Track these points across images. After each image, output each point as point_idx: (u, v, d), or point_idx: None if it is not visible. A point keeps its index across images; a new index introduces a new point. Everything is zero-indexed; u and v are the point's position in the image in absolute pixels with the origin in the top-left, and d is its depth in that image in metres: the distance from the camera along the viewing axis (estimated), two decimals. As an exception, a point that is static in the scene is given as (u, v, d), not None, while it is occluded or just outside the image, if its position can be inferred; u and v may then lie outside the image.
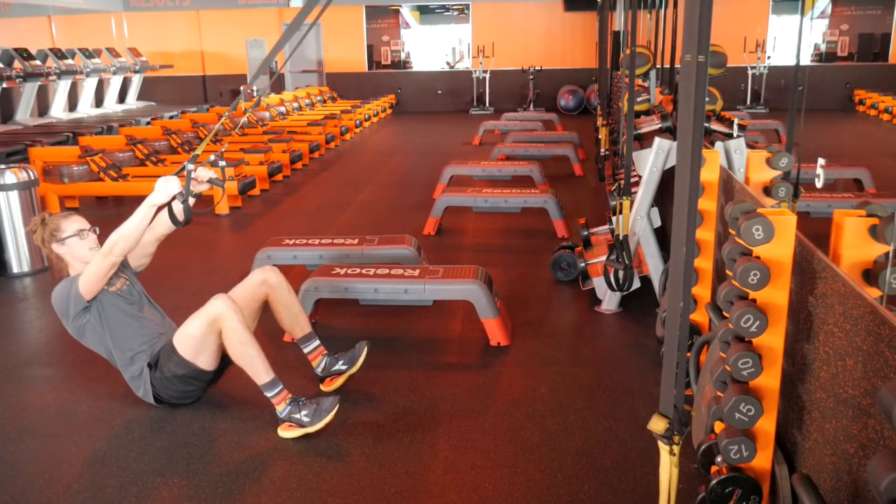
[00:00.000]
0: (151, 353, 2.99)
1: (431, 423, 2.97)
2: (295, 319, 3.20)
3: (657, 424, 1.73)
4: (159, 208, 2.92)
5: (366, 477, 2.60)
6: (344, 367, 3.20)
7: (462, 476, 2.60)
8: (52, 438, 2.91)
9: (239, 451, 2.79)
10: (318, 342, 3.22)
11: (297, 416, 2.83)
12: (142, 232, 2.86)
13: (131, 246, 2.88)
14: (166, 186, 2.80)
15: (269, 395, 2.86)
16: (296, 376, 3.30)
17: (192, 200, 2.97)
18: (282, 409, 2.85)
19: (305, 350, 3.21)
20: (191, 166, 2.80)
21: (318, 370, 3.21)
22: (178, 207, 2.96)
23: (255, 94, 15.30)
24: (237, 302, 2.91)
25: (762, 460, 2.03)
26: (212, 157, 2.95)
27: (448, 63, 17.18)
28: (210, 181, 2.96)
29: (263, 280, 3.16)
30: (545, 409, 3.06)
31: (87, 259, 2.98)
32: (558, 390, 3.23)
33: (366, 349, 3.22)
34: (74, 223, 3.05)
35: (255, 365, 2.83)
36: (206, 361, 2.93)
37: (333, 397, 2.87)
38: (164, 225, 3.09)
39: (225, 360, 3.00)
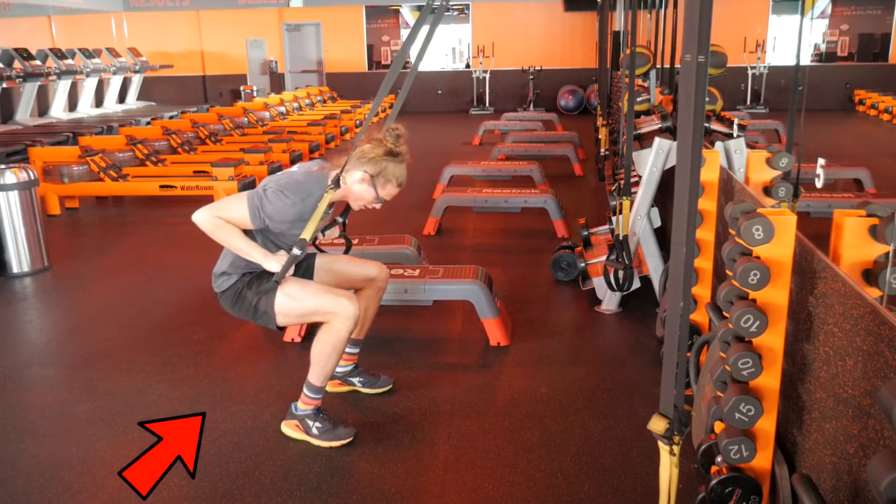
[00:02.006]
0: (256, 272, 2.82)
1: (431, 423, 2.97)
2: (364, 322, 3.13)
3: (657, 424, 1.73)
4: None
5: (366, 477, 2.60)
6: (358, 385, 3.20)
7: (462, 476, 2.60)
8: (52, 438, 2.91)
9: (239, 451, 2.79)
10: (358, 350, 3.20)
11: (311, 423, 2.81)
12: (227, 245, 2.73)
13: (219, 239, 2.72)
14: (270, 263, 2.68)
15: (307, 393, 2.81)
16: (297, 376, 3.29)
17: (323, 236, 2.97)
18: (303, 409, 2.83)
19: (347, 350, 3.14)
20: (297, 252, 2.69)
21: (338, 370, 3.19)
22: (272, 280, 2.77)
23: (254, 93, 15.32)
24: (341, 276, 2.89)
25: (762, 460, 2.03)
26: (339, 219, 2.93)
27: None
28: (340, 235, 3.00)
29: (373, 278, 3.07)
30: (545, 409, 3.06)
31: (348, 200, 2.78)
32: (558, 390, 3.23)
33: (389, 387, 3.22)
34: (392, 195, 2.79)
35: (326, 368, 2.77)
36: (284, 322, 2.82)
37: (351, 429, 2.85)
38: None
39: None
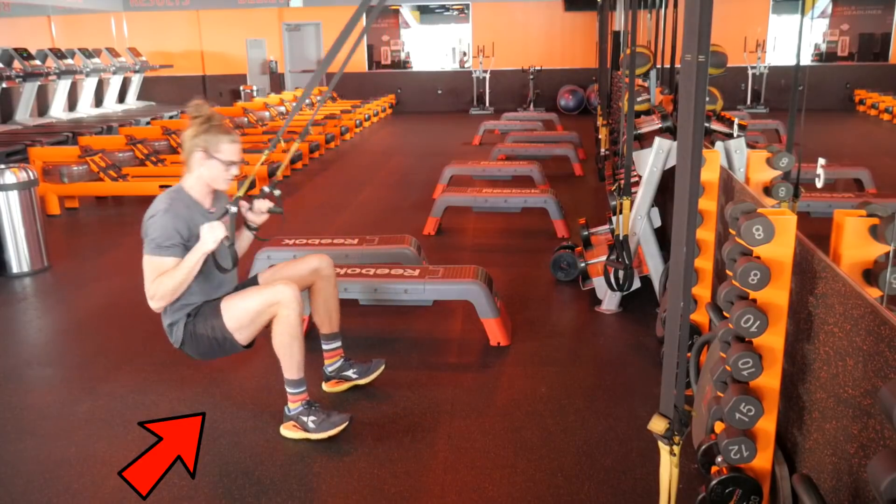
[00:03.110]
0: (196, 304, 2.87)
1: (431, 423, 2.97)
2: (329, 315, 3.14)
3: (657, 424, 1.73)
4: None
5: (366, 477, 2.60)
6: (354, 377, 3.20)
7: (462, 476, 2.60)
8: (52, 438, 2.90)
9: (239, 451, 2.79)
10: (339, 343, 3.20)
11: (305, 419, 2.82)
12: (191, 279, 2.74)
13: (179, 294, 2.77)
14: (212, 233, 2.69)
15: (290, 391, 2.84)
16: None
17: (253, 233, 2.95)
18: (293, 407, 2.84)
19: (326, 347, 3.18)
20: (234, 209, 2.74)
21: (329, 370, 3.21)
22: (222, 253, 2.82)
23: (254, 93, 15.32)
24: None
25: (762, 460, 2.03)
26: (265, 189, 2.90)
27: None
28: (270, 210, 2.94)
29: (317, 269, 3.08)
30: (545, 409, 3.06)
31: (211, 184, 2.81)
32: (558, 390, 3.22)
33: (381, 368, 3.22)
34: (233, 154, 2.81)
35: (293, 359, 2.79)
36: (244, 337, 2.84)
37: (345, 415, 2.86)
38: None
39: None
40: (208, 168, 2.79)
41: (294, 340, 2.77)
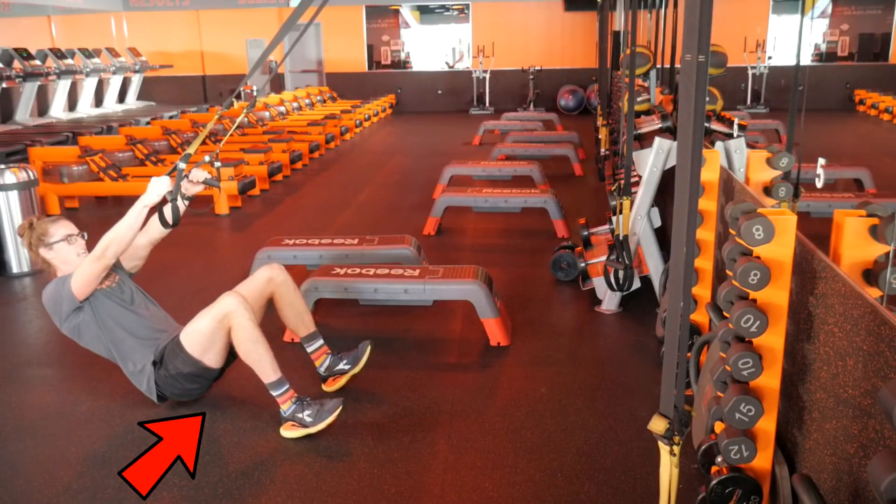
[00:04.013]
0: (156, 349, 2.97)
1: (431, 423, 2.97)
2: (300, 318, 3.18)
3: (657, 424, 1.73)
4: (152, 210, 2.90)
5: (366, 477, 2.60)
6: (347, 367, 3.20)
7: (462, 476, 2.60)
8: (52, 438, 2.91)
9: (239, 451, 2.79)
10: (321, 341, 3.21)
11: (301, 415, 2.83)
12: (134, 233, 2.84)
13: (123, 248, 2.86)
14: (157, 186, 2.78)
15: (274, 393, 2.85)
16: (296, 377, 3.29)
17: (185, 203, 2.94)
18: (286, 408, 2.85)
19: (309, 349, 3.20)
20: (182, 165, 2.77)
21: (321, 370, 3.21)
22: (167, 208, 2.90)
23: (254, 92, 15.31)
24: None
25: (762, 460, 2.03)
26: (206, 158, 2.92)
27: (447, 63, 17.17)
28: (205, 181, 2.92)
29: (270, 278, 3.13)
30: (545, 409, 3.06)
31: (75, 264, 2.96)
32: (558, 390, 3.22)
33: (369, 349, 3.22)
34: (62, 228, 3.03)
35: (263, 363, 2.82)
36: (214, 359, 2.90)
37: (337, 399, 2.87)
38: (157, 229, 3.06)
39: (230, 357, 2.99)
40: (58, 253, 2.98)
41: (256, 344, 2.80)
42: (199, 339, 2.86)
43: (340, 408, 2.84)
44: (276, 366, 2.85)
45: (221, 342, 2.86)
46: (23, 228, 3.05)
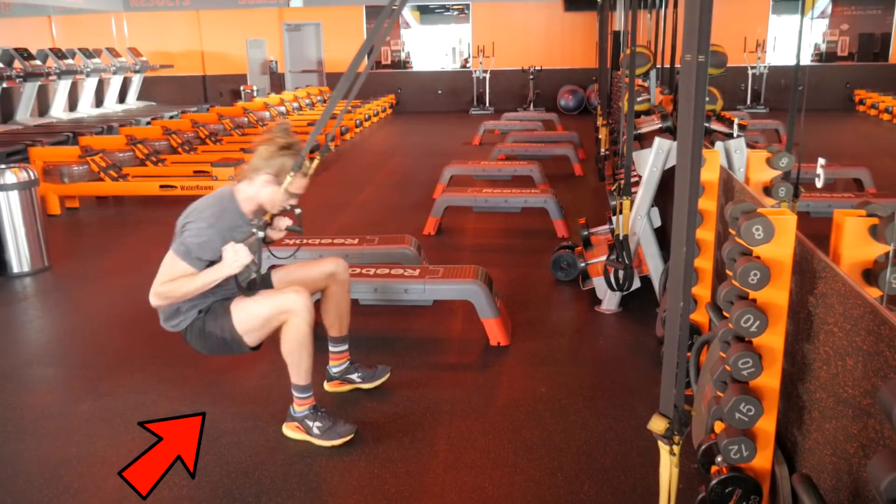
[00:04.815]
0: (206, 302, 2.85)
1: (431, 423, 2.97)
2: (340, 319, 3.13)
3: (657, 424, 1.73)
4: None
5: (366, 477, 2.60)
6: (357, 380, 3.20)
7: (462, 476, 2.60)
8: (52, 438, 2.91)
9: (239, 451, 2.79)
10: (346, 346, 3.19)
11: (311, 423, 2.81)
12: (201, 292, 2.74)
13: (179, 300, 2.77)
14: (236, 258, 2.64)
15: (296, 395, 2.83)
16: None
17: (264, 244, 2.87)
18: (299, 410, 2.84)
19: (334, 349, 3.17)
20: (261, 234, 2.70)
21: (334, 370, 3.20)
22: (245, 276, 2.80)
23: (254, 93, 15.31)
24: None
25: (762, 460, 2.03)
26: (287, 206, 2.84)
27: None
28: (288, 229, 2.91)
29: (333, 273, 3.05)
30: (545, 409, 3.06)
31: (265, 205, 2.77)
32: (558, 390, 3.23)
33: (387, 376, 3.22)
34: (300, 187, 2.77)
35: (301, 367, 2.78)
36: (253, 340, 2.83)
37: (351, 426, 2.85)
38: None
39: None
40: (270, 192, 2.76)
41: (303, 349, 2.76)
42: (251, 318, 2.77)
43: (352, 436, 2.82)
44: (311, 372, 2.81)
45: (269, 330, 2.79)
46: (284, 137, 2.76)
